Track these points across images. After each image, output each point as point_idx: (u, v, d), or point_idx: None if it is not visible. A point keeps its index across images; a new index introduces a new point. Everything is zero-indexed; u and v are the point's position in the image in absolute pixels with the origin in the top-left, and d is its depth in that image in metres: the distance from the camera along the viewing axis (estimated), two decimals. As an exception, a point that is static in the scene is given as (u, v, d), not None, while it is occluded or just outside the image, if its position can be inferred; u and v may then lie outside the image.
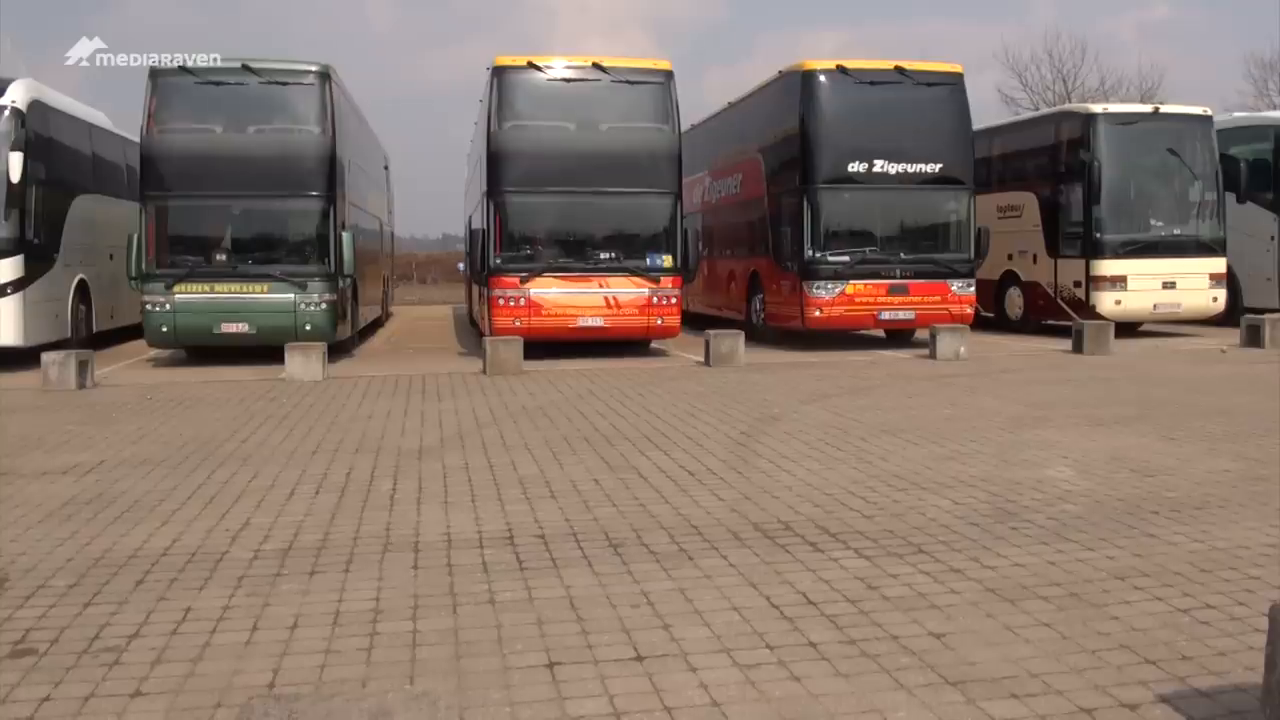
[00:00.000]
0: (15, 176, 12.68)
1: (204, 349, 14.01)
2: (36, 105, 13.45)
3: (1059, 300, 16.42)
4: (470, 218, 18.57)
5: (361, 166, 17.64)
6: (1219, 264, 16.07)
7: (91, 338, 14.94)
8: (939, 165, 14.90)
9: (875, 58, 15.41)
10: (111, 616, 3.92)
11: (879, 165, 14.65)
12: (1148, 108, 17.15)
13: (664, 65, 14.42)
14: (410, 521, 5.33)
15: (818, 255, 14.49)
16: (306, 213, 13.68)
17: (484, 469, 6.64)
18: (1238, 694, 3.11)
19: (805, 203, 14.56)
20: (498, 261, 13.71)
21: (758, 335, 15.27)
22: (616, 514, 5.42)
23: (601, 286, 13.78)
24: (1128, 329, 16.00)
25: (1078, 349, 13.62)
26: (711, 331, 13.14)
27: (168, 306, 13.06)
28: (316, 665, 3.43)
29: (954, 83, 15.07)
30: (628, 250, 14.13)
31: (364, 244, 16.68)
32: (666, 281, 13.92)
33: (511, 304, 13.61)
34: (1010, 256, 17.34)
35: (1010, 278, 17.56)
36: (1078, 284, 15.97)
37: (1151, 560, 4.48)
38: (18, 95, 13.01)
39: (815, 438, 7.58)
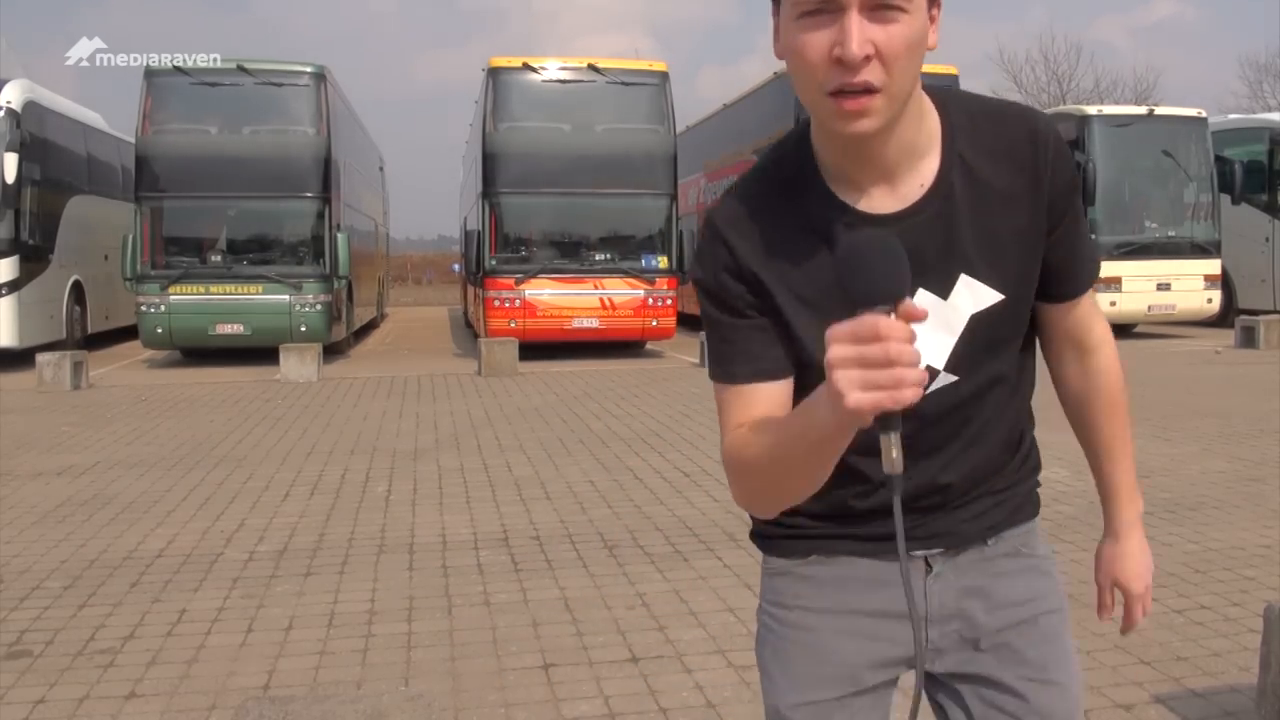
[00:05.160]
0: (10, 177, 12.67)
1: (199, 350, 14.00)
2: (31, 106, 13.43)
3: None
4: (465, 219, 18.58)
5: (356, 167, 17.63)
6: (1214, 265, 16.09)
7: (86, 339, 14.92)
8: None
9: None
10: (106, 618, 3.91)
11: None
12: (1142, 109, 17.15)
13: (659, 67, 14.43)
14: (405, 523, 5.32)
15: (812, 257, 14.51)
16: (301, 213, 13.68)
17: (479, 470, 6.64)
18: (1233, 694, 3.12)
19: (800, 204, 14.58)
20: (493, 263, 13.71)
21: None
22: (611, 515, 5.42)
23: (596, 288, 13.78)
24: (1122, 330, 16.02)
25: (1072, 350, 13.62)
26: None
27: (163, 307, 13.04)
28: (311, 667, 3.43)
29: (949, 84, 15.11)
30: (623, 252, 14.14)
31: (359, 245, 16.68)
32: (662, 283, 13.93)
33: (506, 305, 13.61)
34: None
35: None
36: None
37: (1146, 561, 4.48)
38: (12, 96, 13.00)
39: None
